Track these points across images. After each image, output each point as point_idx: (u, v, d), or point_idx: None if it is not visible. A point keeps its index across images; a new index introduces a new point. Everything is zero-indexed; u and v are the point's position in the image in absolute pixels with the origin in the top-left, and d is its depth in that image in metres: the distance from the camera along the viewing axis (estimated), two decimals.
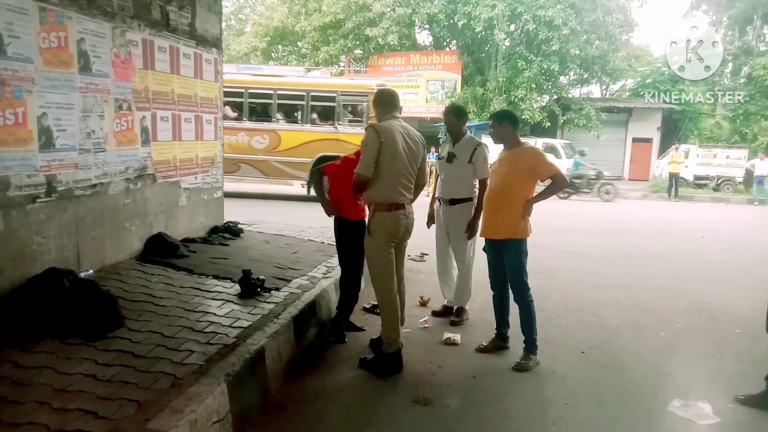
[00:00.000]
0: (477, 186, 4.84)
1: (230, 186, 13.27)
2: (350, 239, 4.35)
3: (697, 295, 6.14)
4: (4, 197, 3.77)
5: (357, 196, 4.11)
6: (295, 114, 13.89)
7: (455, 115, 4.88)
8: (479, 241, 4.87)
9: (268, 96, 13.51)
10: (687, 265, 7.82)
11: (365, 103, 13.01)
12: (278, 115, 13.57)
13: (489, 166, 4.69)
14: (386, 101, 3.99)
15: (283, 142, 13.36)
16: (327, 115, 13.49)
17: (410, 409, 3.35)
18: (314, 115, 13.48)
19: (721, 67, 25.95)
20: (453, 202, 4.87)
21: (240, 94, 13.34)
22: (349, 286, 4.49)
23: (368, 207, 3.98)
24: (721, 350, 4.51)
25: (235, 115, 13.39)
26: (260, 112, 13.72)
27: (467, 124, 5.02)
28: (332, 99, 13.26)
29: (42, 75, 4.03)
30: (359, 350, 4.17)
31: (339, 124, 13.19)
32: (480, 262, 4.45)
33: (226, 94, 13.18)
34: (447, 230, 4.99)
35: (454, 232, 4.93)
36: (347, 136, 13.01)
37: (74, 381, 2.82)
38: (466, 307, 5.04)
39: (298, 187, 14.67)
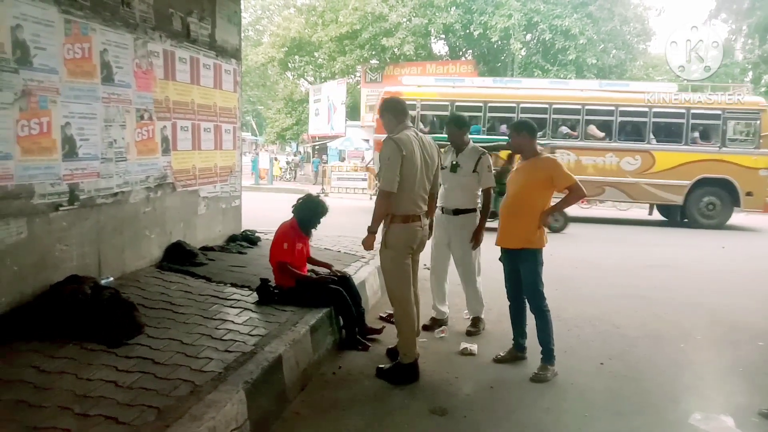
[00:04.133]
0: (481, 196, 4.84)
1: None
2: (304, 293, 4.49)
3: (717, 306, 6.04)
4: (28, 205, 3.85)
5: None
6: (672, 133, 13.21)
7: (456, 125, 4.86)
8: (483, 252, 4.86)
9: (641, 114, 12.93)
10: (706, 276, 7.71)
11: (757, 122, 12.48)
12: (651, 135, 13.02)
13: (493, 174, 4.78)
14: (397, 110, 3.89)
15: (657, 163, 12.76)
16: (709, 134, 12.90)
17: (427, 419, 3.34)
18: (695, 134, 12.91)
19: (741, 75, 25.70)
20: (457, 212, 4.83)
21: (610, 113, 12.93)
22: (340, 305, 4.45)
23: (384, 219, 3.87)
24: (743, 362, 4.43)
25: (602, 135, 12.97)
26: (630, 132, 13.08)
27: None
28: (716, 117, 12.65)
29: (66, 85, 4.12)
30: (376, 359, 4.17)
31: (723, 145, 12.64)
32: (497, 271, 4.44)
33: (591, 112, 13.13)
34: (449, 240, 4.92)
35: (457, 243, 4.87)
36: (732, 157, 12.50)
37: (95, 387, 2.86)
38: (482, 317, 5.01)
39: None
